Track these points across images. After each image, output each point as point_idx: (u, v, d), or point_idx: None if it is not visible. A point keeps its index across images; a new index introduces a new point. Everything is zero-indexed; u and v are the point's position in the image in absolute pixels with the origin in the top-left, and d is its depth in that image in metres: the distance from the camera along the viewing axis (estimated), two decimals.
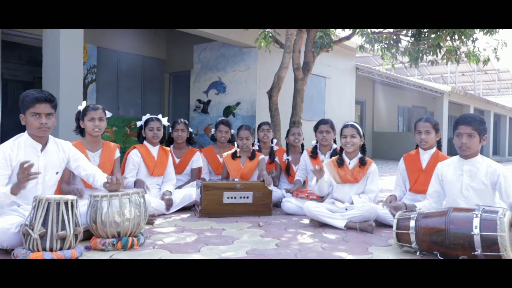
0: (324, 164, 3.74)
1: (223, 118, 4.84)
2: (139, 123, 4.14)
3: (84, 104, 3.47)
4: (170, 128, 4.59)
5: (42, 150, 2.67)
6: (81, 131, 3.47)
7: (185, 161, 4.52)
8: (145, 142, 4.07)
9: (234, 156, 4.29)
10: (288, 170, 4.64)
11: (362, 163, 3.51)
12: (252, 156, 4.29)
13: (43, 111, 2.54)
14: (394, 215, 3.00)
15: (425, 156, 3.53)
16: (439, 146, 3.58)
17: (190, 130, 4.63)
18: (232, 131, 4.78)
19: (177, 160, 4.47)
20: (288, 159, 4.65)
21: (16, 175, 2.37)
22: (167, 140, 4.50)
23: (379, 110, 15.65)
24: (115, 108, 8.70)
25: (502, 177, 2.69)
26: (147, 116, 4.09)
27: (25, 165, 2.32)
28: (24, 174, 2.33)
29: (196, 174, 4.55)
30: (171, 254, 2.53)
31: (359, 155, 3.56)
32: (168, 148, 4.22)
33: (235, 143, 4.40)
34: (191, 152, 4.56)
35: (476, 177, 2.76)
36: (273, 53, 7.16)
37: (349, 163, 3.55)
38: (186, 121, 4.59)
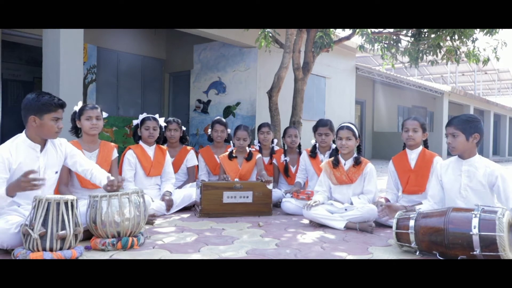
0: (321, 165, 3.74)
1: (219, 117, 4.82)
2: (135, 122, 4.10)
3: (80, 104, 3.43)
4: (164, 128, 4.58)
5: (41, 150, 2.66)
6: (76, 131, 3.43)
7: (180, 159, 4.51)
8: (140, 142, 4.04)
9: (230, 156, 4.28)
10: (286, 172, 4.63)
11: (356, 162, 3.51)
12: (248, 157, 4.28)
13: (61, 117, 2.66)
14: (390, 216, 3.01)
15: (412, 156, 3.54)
16: (426, 146, 3.59)
17: (184, 129, 4.61)
18: (229, 130, 4.77)
19: (171, 160, 4.45)
20: (286, 160, 4.64)
21: (20, 182, 2.32)
22: (162, 141, 4.46)
23: (379, 110, 15.64)
24: (115, 108, 8.70)
25: (500, 179, 2.67)
26: (144, 115, 4.05)
27: (30, 176, 2.30)
28: (29, 183, 2.31)
29: (192, 172, 4.54)
30: (171, 254, 2.54)
31: (354, 155, 3.56)
32: (164, 147, 4.19)
33: (231, 142, 4.38)
34: (185, 151, 4.55)
35: (474, 178, 2.75)
36: (273, 53, 7.16)
37: (344, 164, 3.55)
38: (179, 120, 4.57)
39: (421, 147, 3.55)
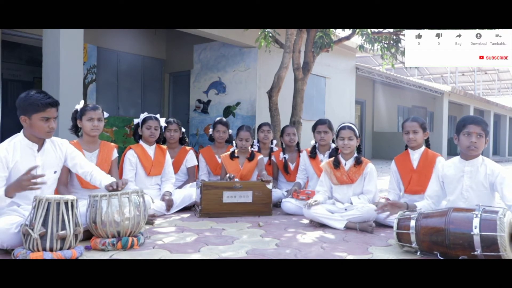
0: (321, 165, 3.74)
1: (221, 118, 4.82)
2: (136, 121, 4.09)
3: (82, 103, 3.41)
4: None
5: (38, 150, 2.65)
6: (76, 130, 3.42)
7: (179, 160, 4.51)
8: (141, 142, 4.03)
9: (232, 156, 4.27)
10: (285, 168, 4.64)
11: (357, 162, 3.51)
12: (250, 157, 4.27)
13: (52, 116, 2.56)
14: (392, 213, 3.00)
15: (415, 156, 3.54)
16: (427, 145, 3.60)
17: (183, 130, 4.61)
18: (230, 131, 4.77)
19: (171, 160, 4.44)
20: (284, 158, 4.66)
21: (21, 181, 2.33)
22: (162, 141, 4.46)
23: (379, 110, 15.64)
24: (115, 108, 8.69)
25: (500, 178, 2.67)
26: (145, 114, 4.04)
27: (31, 173, 2.29)
28: (30, 182, 2.31)
29: (192, 172, 4.54)
30: (171, 254, 2.53)
31: (355, 155, 3.56)
32: (165, 147, 4.18)
33: (233, 142, 4.38)
34: (184, 151, 4.55)
35: (476, 179, 2.75)
36: (273, 53, 7.16)
37: (345, 164, 3.55)
38: (179, 121, 4.57)
39: (423, 147, 3.55)
